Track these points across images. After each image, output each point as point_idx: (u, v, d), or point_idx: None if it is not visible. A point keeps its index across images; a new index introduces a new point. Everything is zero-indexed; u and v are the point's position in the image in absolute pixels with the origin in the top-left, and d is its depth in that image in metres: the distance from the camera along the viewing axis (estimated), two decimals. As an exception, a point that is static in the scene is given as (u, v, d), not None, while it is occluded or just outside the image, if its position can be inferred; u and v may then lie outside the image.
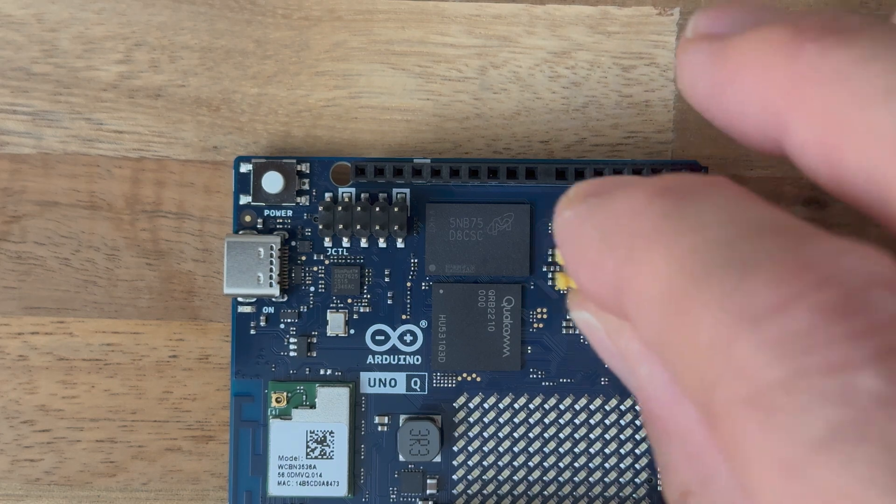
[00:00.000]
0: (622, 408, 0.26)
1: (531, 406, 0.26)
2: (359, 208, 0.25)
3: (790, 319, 0.14)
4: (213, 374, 0.26)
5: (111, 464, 0.26)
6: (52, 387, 0.26)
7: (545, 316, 0.26)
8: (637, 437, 0.25)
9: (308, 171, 0.26)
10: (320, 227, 0.25)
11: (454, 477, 0.25)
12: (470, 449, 0.26)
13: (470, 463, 0.25)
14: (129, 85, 0.27)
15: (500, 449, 0.26)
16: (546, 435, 0.26)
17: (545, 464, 0.25)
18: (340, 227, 0.25)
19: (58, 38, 0.27)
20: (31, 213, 0.27)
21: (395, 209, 0.25)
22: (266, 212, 0.26)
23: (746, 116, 0.19)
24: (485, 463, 0.26)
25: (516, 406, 0.26)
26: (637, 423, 0.26)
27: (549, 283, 0.26)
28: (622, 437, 0.25)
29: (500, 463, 0.25)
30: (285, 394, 0.25)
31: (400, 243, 0.26)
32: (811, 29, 0.18)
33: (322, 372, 0.25)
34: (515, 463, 0.25)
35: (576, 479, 0.26)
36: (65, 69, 0.27)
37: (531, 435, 0.26)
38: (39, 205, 0.27)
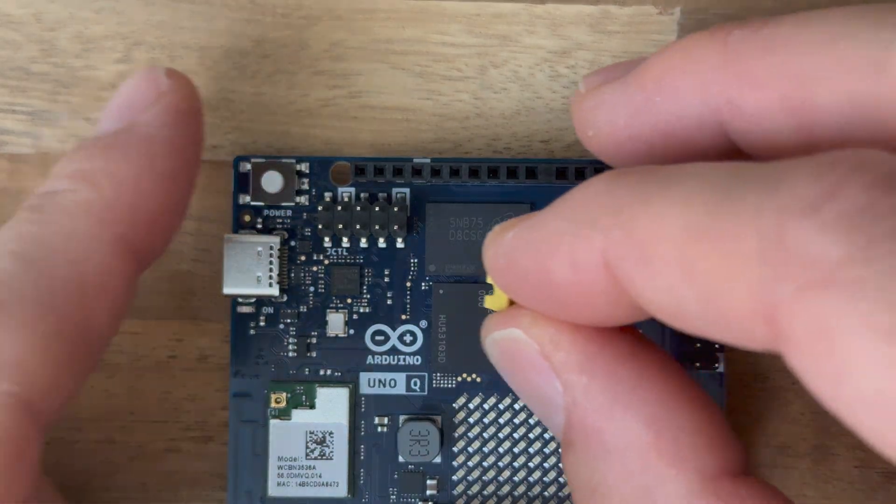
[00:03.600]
0: None
1: None
2: (358, 208, 0.25)
3: (847, 199, 0.14)
4: (213, 374, 0.26)
5: (110, 464, 0.26)
6: (50, 387, 0.26)
7: None
8: None
9: (307, 171, 0.26)
10: (320, 226, 0.25)
11: (454, 477, 0.25)
12: (470, 450, 0.25)
13: (470, 464, 0.25)
14: (128, 84, 0.26)
15: (501, 449, 0.25)
16: (546, 436, 0.25)
17: (545, 464, 0.25)
18: (340, 226, 0.25)
19: (56, 37, 0.26)
20: (29, 213, 0.27)
21: (395, 209, 0.25)
22: (265, 211, 0.25)
23: (684, 113, 0.20)
24: (485, 464, 0.25)
25: (516, 407, 0.26)
26: None
27: None
28: None
29: (500, 464, 0.25)
30: (285, 394, 0.25)
31: (400, 243, 0.25)
32: (726, 26, 0.19)
33: (322, 372, 0.25)
34: (516, 464, 0.25)
35: None
36: (63, 68, 0.26)
37: (531, 435, 0.25)
38: (38, 204, 0.27)
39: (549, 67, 0.26)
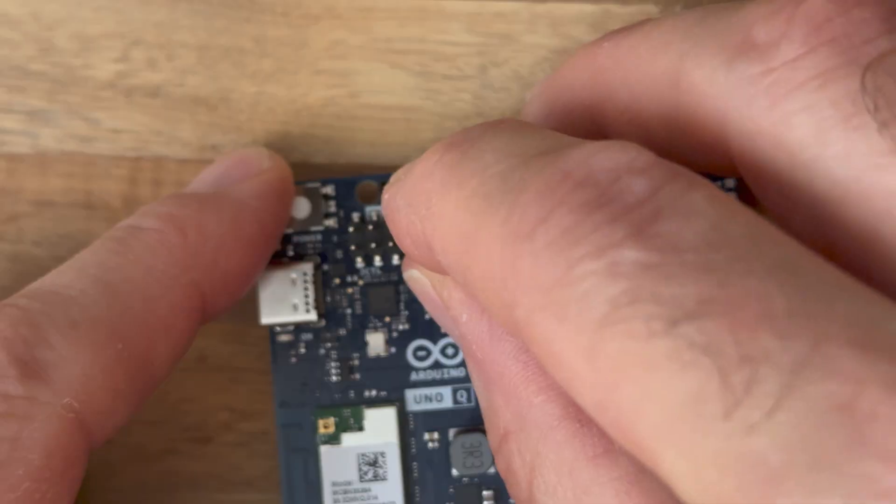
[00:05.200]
0: None
1: None
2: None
3: (555, 223, 0.15)
4: (212, 375, 0.26)
5: (109, 465, 0.26)
6: (48, 388, 0.26)
7: None
8: None
9: (334, 193, 0.25)
10: (352, 248, 0.25)
11: None
12: None
13: None
14: (127, 83, 0.26)
15: None
16: None
17: None
18: (372, 246, 0.25)
19: (54, 36, 0.26)
20: (27, 213, 0.26)
21: None
22: (295, 238, 0.25)
23: (577, 128, 0.22)
24: None
25: None
26: None
27: None
28: None
29: None
30: (332, 419, 0.25)
31: None
32: (599, 41, 0.22)
33: (367, 394, 0.25)
34: None
35: None
36: (62, 68, 0.26)
37: None
38: (36, 204, 0.26)
39: (550, 67, 0.26)
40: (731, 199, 0.16)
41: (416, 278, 0.22)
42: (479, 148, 0.18)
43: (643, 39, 0.20)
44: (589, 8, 0.26)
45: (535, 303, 0.15)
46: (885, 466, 0.12)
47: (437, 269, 0.19)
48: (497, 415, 0.20)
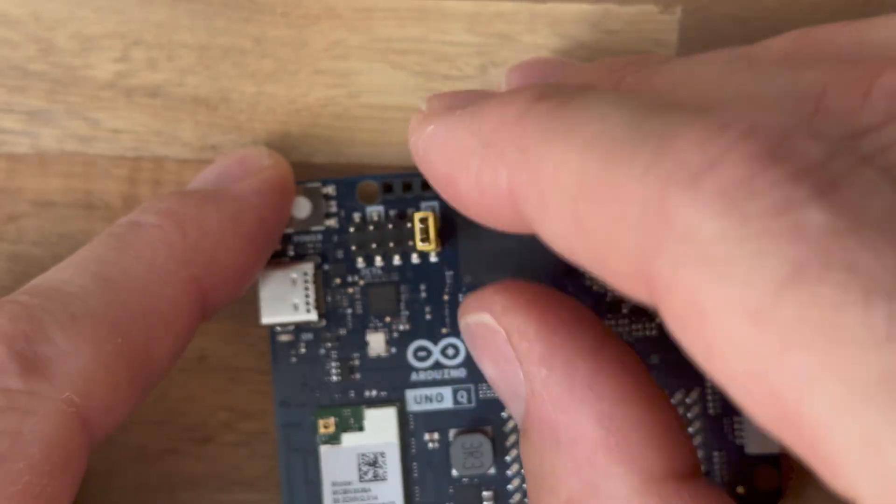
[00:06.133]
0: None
1: None
2: (390, 226, 0.25)
3: (727, 171, 0.14)
4: (211, 375, 0.26)
5: (109, 466, 0.26)
6: (48, 388, 0.26)
7: None
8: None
9: (334, 193, 0.25)
10: (353, 248, 0.25)
11: (510, 487, 0.25)
12: None
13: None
14: (127, 83, 0.26)
15: None
16: None
17: None
18: (373, 246, 0.25)
19: (54, 36, 0.26)
20: (27, 213, 0.26)
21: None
22: (295, 238, 0.25)
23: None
24: None
25: None
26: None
27: (588, 284, 0.25)
28: None
29: None
30: (333, 419, 0.25)
31: (433, 257, 0.25)
32: (626, 66, 0.20)
33: (367, 394, 0.25)
34: None
35: None
36: (61, 68, 0.26)
37: None
38: (35, 204, 0.26)
39: (550, 67, 0.26)
40: None
41: (487, 325, 0.21)
42: (581, 100, 0.17)
43: (675, 83, 0.19)
44: (589, 8, 0.26)
45: (689, 254, 0.14)
46: None
47: (511, 225, 0.18)
48: (560, 481, 0.19)
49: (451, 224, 0.25)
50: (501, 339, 0.20)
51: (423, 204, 0.25)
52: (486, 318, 0.21)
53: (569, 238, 0.17)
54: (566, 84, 0.18)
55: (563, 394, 0.19)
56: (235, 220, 0.23)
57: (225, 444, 0.26)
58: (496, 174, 0.18)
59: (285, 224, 0.25)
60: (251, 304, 0.25)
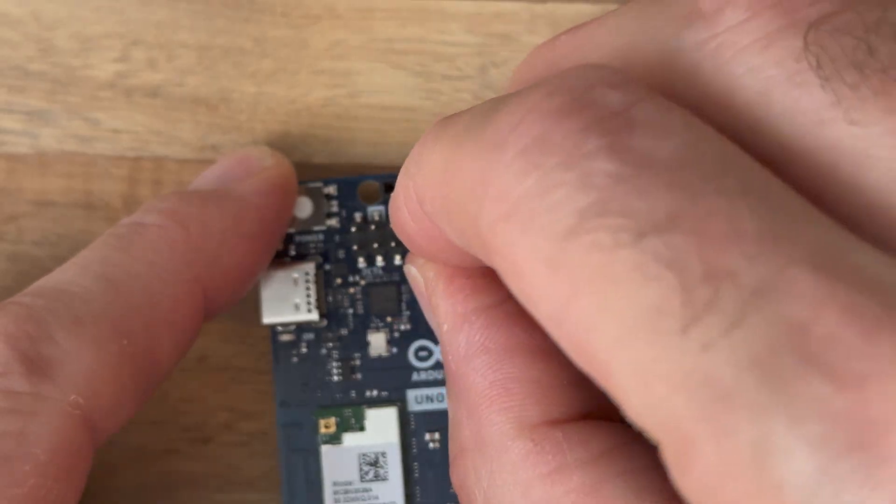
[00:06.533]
0: None
1: None
2: (391, 226, 0.25)
3: (525, 130, 0.15)
4: (211, 375, 0.26)
5: (109, 466, 0.26)
6: (48, 388, 0.26)
7: None
8: None
9: (336, 193, 0.25)
10: (354, 248, 0.25)
11: None
12: None
13: None
14: (127, 83, 0.26)
15: None
16: None
17: None
18: (374, 246, 0.25)
19: (54, 36, 0.26)
20: (27, 213, 0.26)
21: None
22: (297, 238, 0.25)
23: None
24: None
25: None
26: None
27: None
28: None
29: None
30: (334, 419, 0.25)
31: None
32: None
33: (368, 394, 0.25)
34: None
35: None
36: (61, 68, 0.26)
37: None
38: (36, 204, 0.26)
39: (550, 67, 0.26)
40: (705, 124, 0.15)
41: (413, 276, 0.22)
42: (460, 112, 0.18)
43: (600, 25, 0.19)
44: (589, 8, 0.26)
45: (500, 211, 0.15)
46: (834, 388, 0.12)
47: (428, 233, 0.19)
48: (458, 429, 0.20)
49: None
50: (422, 287, 0.21)
51: None
52: (411, 268, 0.22)
53: (441, 219, 0.18)
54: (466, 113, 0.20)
55: (459, 348, 0.20)
56: (238, 221, 0.23)
57: (225, 444, 0.26)
58: (409, 191, 0.19)
59: (287, 224, 0.25)
60: (251, 305, 0.25)
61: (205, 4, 0.26)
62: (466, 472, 0.20)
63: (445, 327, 0.20)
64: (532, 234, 0.15)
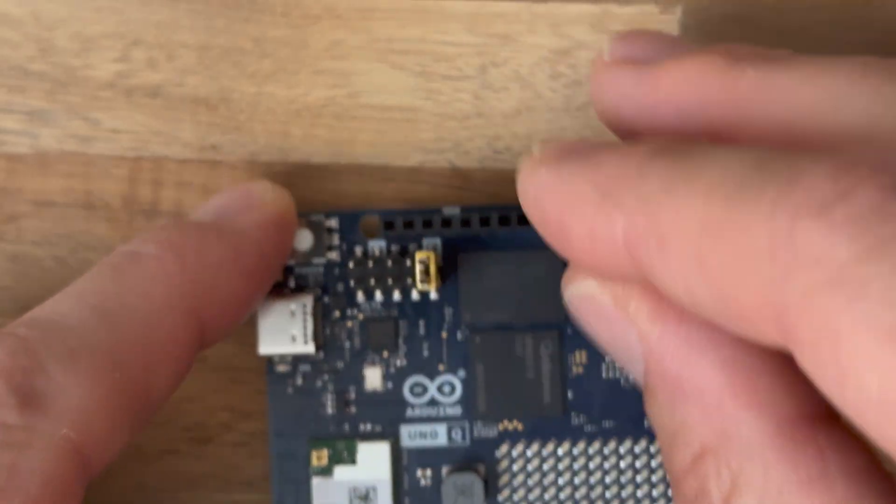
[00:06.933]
0: None
1: (575, 452, 0.25)
2: (390, 262, 0.25)
3: (860, 199, 0.14)
4: (211, 375, 0.26)
5: (108, 466, 0.26)
6: (48, 388, 0.26)
7: (585, 360, 0.25)
8: None
9: (337, 226, 0.25)
10: (352, 282, 0.25)
11: None
12: (515, 498, 0.25)
13: None
14: (127, 84, 0.26)
15: (546, 496, 0.25)
16: (591, 480, 0.25)
17: None
18: (373, 281, 0.25)
19: (54, 36, 0.26)
20: (27, 213, 0.26)
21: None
22: (297, 270, 0.25)
23: (687, 131, 0.20)
24: None
25: (560, 452, 0.25)
26: None
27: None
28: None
29: None
30: (326, 451, 0.25)
31: (433, 294, 0.25)
32: (747, 56, 0.19)
33: (361, 427, 0.25)
34: None
35: None
36: (61, 68, 0.26)
37: (576, 481, 0.25)
38: (36, 204, 0.26)
39: (550, 67, 0.26)
40: None
41: (591, 295, 0.20)
42: (701, 150, 0.17)
43: (800, 83, 0.19)
44: (589, 8, 0.26)
45: (821, 279, 0.14)
46: None
47: (624, 273, 0.18)
48: (692, 432, 0.19)
49: (452, 261, 0.25)
50: (608, 303, 0.20)
51: (425, 241, 0.25)
52: (587, 286, 0.21)
53: (690, 279, 0.17)
54: (686, 140, 0.18)
55: (680, 347, 0.19)
56: (236, 254, 0.23)
57: (225, 444, 0.26)
58: (612, 223, 0.18)
59: (286, 258, 0.25)
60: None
61: (205, 4, 0.26)
62: (707, 475, 0.18)
63: (658, 330, 0.19)
64: (868, 303, 0.14)
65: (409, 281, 0.25)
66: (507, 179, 0.26)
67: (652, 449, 0.25)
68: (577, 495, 0.25)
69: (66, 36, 0.26)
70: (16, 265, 0.26)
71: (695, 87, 0.20)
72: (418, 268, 0.24)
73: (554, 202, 0.19)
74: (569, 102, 0.26)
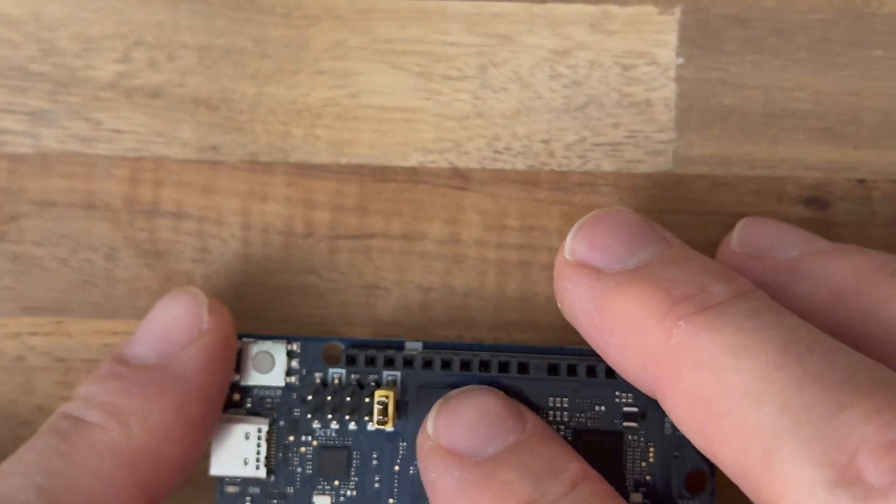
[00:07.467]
0: None
1: None
2: (348, 396, 0.24)
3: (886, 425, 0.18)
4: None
5: (109, 465, 0.26)
6: (49, 388, 0.26)
7: None
8: None
9: (299, 351, 0.25)
10: (308, 415, 0.25)
11: None
12: None
13: None
14: (128, 84, 0.26)
15: None
16: None
17: None
18: (330, 410, 0.24)
19: (56, 37, 0.26)
20: (28, 213, 0.27)
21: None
22: (255, 391, 0.25)
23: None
24: None
25: None
26: None
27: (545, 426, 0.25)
28: None
29: None
30: None
31: (389, 427, 0.24)
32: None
33: None
34: None
35: None
36: (63, 68, 0.26)
37: None
38: (37, 205, 0.27)
39: (550, 67, 0.26)
40: None
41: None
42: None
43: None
44: (588, 8, 0.26)
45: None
46: None
47: (637, 383, 0.21)
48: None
49: (412, 396, 0.25)
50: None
51: (386, 373, 0.25)
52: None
53: (692, 432, 0.20)
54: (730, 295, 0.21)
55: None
56: (181, 407, 0.23)
57: (225, 444, 0.26)
58: (643, 360, 0.20)
59: (229, 384, 0.24)
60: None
61: (205, 5, 0.26)
62: None
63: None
64: None
65: (366, 418, 0.24)
66: (507, 179, 0.26)
67: None
68: None
69: (66, 36, 0.26)
70: (17, 265, 0.26)
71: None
72: (376, 408, 0.24)
73: (593, 320, 0.22)
74: (568, 102, 0.26)
